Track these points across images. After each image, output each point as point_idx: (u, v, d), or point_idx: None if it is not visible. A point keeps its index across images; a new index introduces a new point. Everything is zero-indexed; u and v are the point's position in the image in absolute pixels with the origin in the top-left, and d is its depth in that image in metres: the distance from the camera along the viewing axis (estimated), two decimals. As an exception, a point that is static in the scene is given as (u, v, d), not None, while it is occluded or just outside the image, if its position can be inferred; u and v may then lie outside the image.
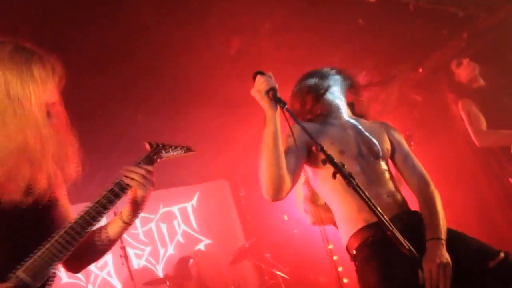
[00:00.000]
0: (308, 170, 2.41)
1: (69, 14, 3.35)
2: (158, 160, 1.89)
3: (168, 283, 5.57)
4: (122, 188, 1.76)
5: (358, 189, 1.78)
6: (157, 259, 6.87)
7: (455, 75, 4.22)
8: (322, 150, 1.87)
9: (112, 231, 1.84)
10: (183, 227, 7.26)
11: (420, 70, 5.74)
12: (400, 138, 2.51)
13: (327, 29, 4.34)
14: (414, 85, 5.74)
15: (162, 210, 7.18)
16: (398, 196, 2.29)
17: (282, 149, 2.12)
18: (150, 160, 1.87)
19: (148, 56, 4.10)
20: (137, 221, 6.81)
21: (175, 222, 7.23)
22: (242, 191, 7.37)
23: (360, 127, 2.44)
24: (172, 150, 1.94)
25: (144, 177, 1.76)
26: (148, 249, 6.85)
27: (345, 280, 5.80)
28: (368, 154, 2.33)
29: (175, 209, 7.30)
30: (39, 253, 1.57)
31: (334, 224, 2.72)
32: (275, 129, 2.09)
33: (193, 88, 4.79)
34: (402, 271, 2.03)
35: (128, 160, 1.85)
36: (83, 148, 1.81)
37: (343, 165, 1.83)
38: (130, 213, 1.83)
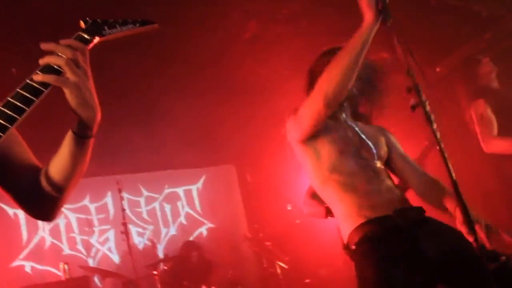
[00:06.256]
0: (308, 169, 2.31)
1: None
2: (98, 38, 1.33)
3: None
4: (33, 90, 1.16)
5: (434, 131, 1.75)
6: (159, 238, 6.89)
7: (473, 74, 4.10)
8: (409, 73, 1.80)
9: (66, 148, 1.33)
10: (186, 209, 7.25)
11: (438, 69, 5.62)
12: (396, 141, 2.49)
13: (347, 19, 4.26)
14: (431, 84, 5.62)
15: (167, 191, 7.17)
16: (398, 192, 2.25)
17: (361, 62, 2.05)
18: (82, 38, 1.30)
19: (160, 34, 4.01)
20: (141, 200, 6.86)
21: (179, 204, 7.22)
22: (249, 177, 7.35)
23: (357, 129, 2.39)
24: (119, 25, 1.41)
25: (68, 60, 1.19)
26: (150, 228, 6.87)
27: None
28: (365, 155, 2.29)
29: (180, 190, 7.29)
30: None
31: (326, 217, 2.64)
32: (368, 38, 2.01)
33: (204, 70, 4.72)
34: (403, 267, 1.98)
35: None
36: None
37: (426, 102, 1.77)
38: (77, 122, 1.29)
